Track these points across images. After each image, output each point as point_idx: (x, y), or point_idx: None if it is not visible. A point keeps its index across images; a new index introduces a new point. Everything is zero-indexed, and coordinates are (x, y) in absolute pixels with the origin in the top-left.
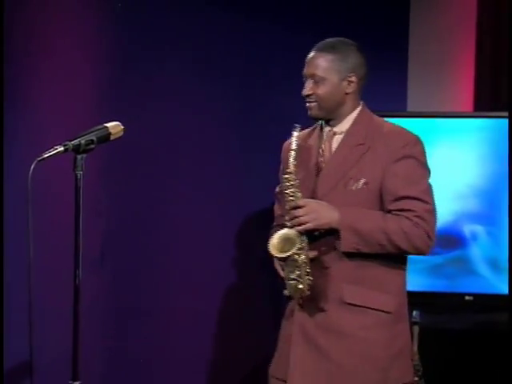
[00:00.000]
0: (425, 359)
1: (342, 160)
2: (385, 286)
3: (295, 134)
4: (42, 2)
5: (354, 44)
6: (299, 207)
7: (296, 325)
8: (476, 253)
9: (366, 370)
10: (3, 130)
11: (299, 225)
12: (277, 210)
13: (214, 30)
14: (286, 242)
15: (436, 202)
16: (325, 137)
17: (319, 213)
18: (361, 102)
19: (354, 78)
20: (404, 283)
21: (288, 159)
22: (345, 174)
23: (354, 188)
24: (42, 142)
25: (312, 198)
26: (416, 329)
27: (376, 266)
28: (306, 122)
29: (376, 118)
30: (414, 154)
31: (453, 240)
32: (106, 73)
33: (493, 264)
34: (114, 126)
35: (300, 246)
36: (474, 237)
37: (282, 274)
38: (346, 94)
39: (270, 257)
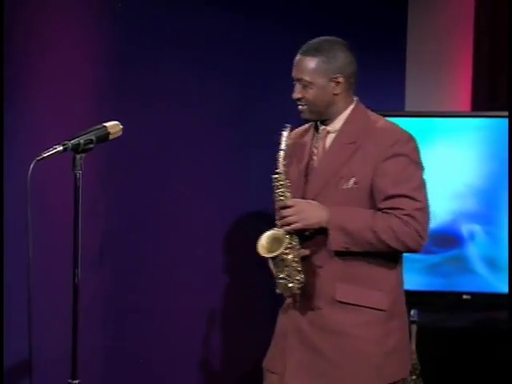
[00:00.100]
0: (423, 358)
1: (333, 159)
2: (378, 284)
3: (285, 134)
4: (41, 2)
5: (340, 42)
6: (288, 207)
7: (291, 323)
8: (474, 252)
9: (359, 368)
10: (3, 129)
11: (288, 224)
12: None
13: (213, 30)
14: (275, 241)
15: (434, 202)
16: (319, 135)
17: (307, 213)
18: (355, 99)
19: (340, 79)
20: (398, 280)
21: (291, 154)
22: (336, 173)
23: (344, 187)
24: (41, 141)
25: (304, 196)
26: (414, 328)
27: (368, 264)
28: (305, 121)
29: (371, 114)
30: (405, 152)
31: (450, 239)
32: (105, 73)
33: (490, 263)
34: (112, 126)
35: (288, 246)
36: (472, 236)
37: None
38: (335, 94)
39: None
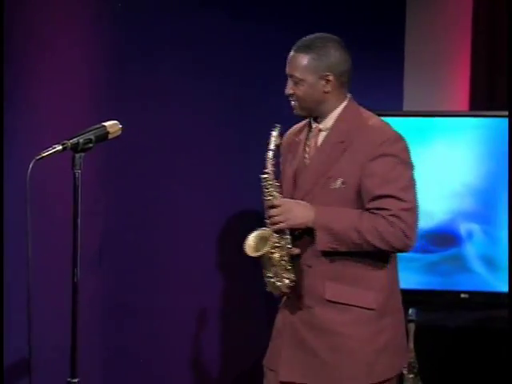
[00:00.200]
0: (421, 356)
1: (323, 158)
2: (367, 283)
3: (274, 133)
4: (41, 2)
5: (334, 40)
6: (275, 207)
7: (285, 320)
8: (471, 251)
9: (350, 366)
10: (3, 129)
11: (274, 224)
12: None
13: (212, 31)
14: (262, 241)
15: (432, 201)
16: (311, 133)
17: (294, 213)
18: (348, 97)
19: (330, 77)
20: (390, 279)
21: (286, 152)
22: (324, 172)
23: (332, 187)
24: (41, 141)
25: (294, 195)
26: (412, 326)
27: (357, 263)
28: (297, 117)
29: (363, 112)
30: (393, 152)
31: (449, 238)
32: (104, 72)
33: (488, 262)
34: (111, 125)
35: (276, 245)
36: (470, 235)
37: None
38: (326, 92)
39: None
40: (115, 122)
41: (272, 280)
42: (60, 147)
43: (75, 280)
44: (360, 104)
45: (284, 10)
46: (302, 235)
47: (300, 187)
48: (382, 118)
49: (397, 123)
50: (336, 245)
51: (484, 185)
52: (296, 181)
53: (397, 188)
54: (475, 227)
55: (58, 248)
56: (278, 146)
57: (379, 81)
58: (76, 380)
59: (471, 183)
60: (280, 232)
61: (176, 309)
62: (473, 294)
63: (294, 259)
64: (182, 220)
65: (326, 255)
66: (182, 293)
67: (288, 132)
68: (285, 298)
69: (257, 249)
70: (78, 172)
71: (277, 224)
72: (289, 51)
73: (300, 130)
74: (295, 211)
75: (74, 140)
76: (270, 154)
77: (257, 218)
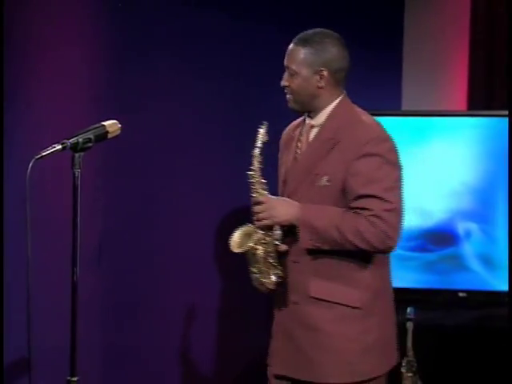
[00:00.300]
0: (419, 355)
1: (311, 155)
2: (352, 282)
3: (261, 131)
4: (41, 2)
5: (333, 36)
6: (259, 203)
7: (277, 316)
8: (469, 250)
9: (331, 363)
10: (3, 129)
11: (259, 220)
12: None
13: (211, 30)
14: (246, 237)
15: (430, 200)
16: (303, 129)
17: (277, 210)
18: (341, 95)
19: (325, 73)
20: (377, 278)
21: (283, 148)
22: (312, 169)
23: (319, 184)
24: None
25: (284, 191)
26: (410, 325)
27: (342, 261)
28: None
29: (356, 110)
30: (379, 152)
31: (447, 237)
32: (104, 72)
33: (486, 261)
34: (111, 125)
35: (262, 242)
36: (468, 234)
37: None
38: (319, 87)
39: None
40: (114, 121)
41: (257, 276)
42: (59, 146)
43: (74, 279)
44: (358, 103)
45: (283, 10)
46: (290, 231)
47: (289, 183)
48: (381, 117)
49: (395, 123)
50: (318, 243)
51: (482, 184)
52: (286, 178)
53: (381, 188)
54: (473, 226)
55: (58, 247)
56: (264, 143)
57: (378, 80)
58: (75, 379)
59: (469, 182)
60: (266, 228)
61: (175, 308)
62: (471, 293)
63: (283, 256)
64: (181, 219)
65: (311, 252)
66: (181, 292)
67: (287, 128)
68: (276, 294)
69: (241, 245)
70: (78, 171)
71: (261, 221)
72: (286, 50)
73: (297, 126)
74: (279, 208)
75: (74, 139)
76: (257, 150)
77: None
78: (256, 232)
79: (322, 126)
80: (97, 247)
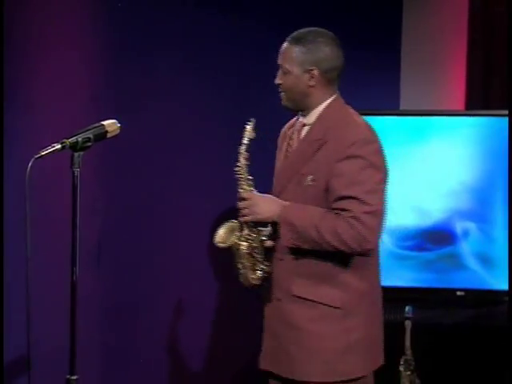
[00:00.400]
0: (417, 354)
1: (299, 155)
2: (334, 282)
3: (248, 127)
4: (41, 2)
5: (327, 36)
6: (244, 199)
7: (264, 312)
8: (467, 249)
9: (311, 362)
10: (3, 129)
11: (243, 216)
12: None
13: (209, 30)
14: (231, 232)
15: (429, 199)
16: (295, 128)
17: (260, 207)
18: (334, 95)
19: (315, 72)
20: (359, 279)
21: (280, 146)
22: (299, 169)
23: (304, 183)
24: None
25: (275, 189)
26: (408, 324)
27: (325, 261)
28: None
29: (346, 112)
30: (362, 154)
31: (445, 236)
32: (103, 72)
33: (484, 260)
34: (110, 124)
35: (247, 237)
36: (466, 233)
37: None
38: (311, 86)
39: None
40: (114, 121)
41: (241, 271)
42: (59, 146)
43: (74, 278)
44: (356, 103)
45: (282, 10)
46: (277, 228)
47: (279, 181)
48: (379, 116)
49: (393, 122)
50: (298, 242)
51: (480, 183)
52: (277, 174)
53: (362, 190)
54: (471, 225)
55: (57, 246)
56: (251, 140)
57: (376, 80)
58: (75, 377)
59: (467, 182)
60: (252, 225)
61: (175, 308)
62: (469, 292)
63: (269, 252)
64: (180, 219)
65: (295, 251)
66: (181, 292)
67: (285, 125)
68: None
69: (225, 240)
70: (77, 171)
71: (244, 216)
72: None
73: (293, 124)
74: (262, 205)
75: (73, 139)
76: (243, 147)
77: None
78: (242, 228)
79: (312, 126)
80: (96, 247)
